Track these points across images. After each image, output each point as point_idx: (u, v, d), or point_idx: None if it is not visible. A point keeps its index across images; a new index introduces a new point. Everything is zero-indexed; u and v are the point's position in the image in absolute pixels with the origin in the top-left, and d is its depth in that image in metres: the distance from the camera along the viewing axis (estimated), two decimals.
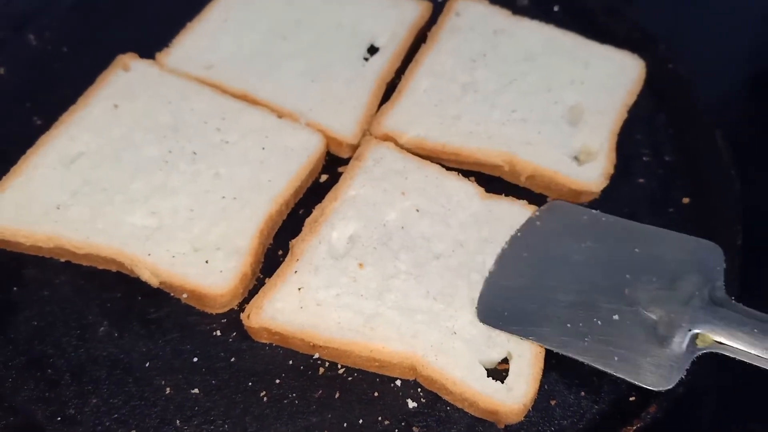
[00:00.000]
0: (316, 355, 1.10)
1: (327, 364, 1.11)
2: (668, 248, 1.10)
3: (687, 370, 0.99)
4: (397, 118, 1.32)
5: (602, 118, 1.31)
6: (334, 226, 1.17)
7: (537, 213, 1.19)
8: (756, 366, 0.96)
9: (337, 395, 1.08)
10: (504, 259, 1.14)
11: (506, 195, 1.24)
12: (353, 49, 1.41)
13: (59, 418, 1.06)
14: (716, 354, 0.99)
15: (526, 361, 1.06)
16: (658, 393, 1.01)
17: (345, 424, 1.06)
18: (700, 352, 0.99)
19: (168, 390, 1.08)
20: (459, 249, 1.16)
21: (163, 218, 1.18)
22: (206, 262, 1.14)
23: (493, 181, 1.28)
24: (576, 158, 1.28)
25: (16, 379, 1.09)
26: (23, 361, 1.11)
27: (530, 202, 1.22)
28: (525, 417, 1.06)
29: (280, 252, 1.21)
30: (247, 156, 1.25)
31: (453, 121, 1.30)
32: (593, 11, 1.53)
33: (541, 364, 1.07)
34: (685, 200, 1.27)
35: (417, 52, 1.41)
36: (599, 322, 1.03)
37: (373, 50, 1.43)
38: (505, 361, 1.08)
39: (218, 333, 1.14)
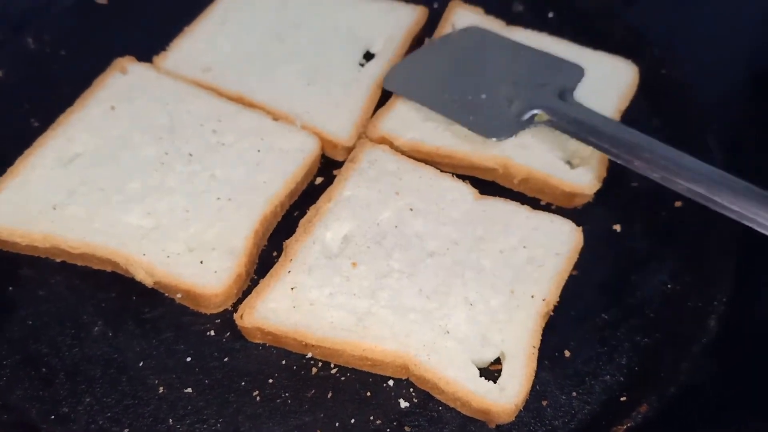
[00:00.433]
0: (309, 355, 1.11)
1: (320, 363, 1.11)
2: (544, 65, 1.36)
3: (677, 366, 1.03)
4: (394, 121, 1.33)
5: None
6: (328, 226, 1.18)
7: (456, 31, 1.45)
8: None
9: (329, 395, 1.09)
10: (420, 51, 1.43)
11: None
12: (349, 52, 1.42)
13: (53, 417, 1.07)
14: (708, 356, 1.00)
15: (519, 361, 1.07)
16: (649, 393, 1.04)
17: (337, 424, 1.06)
18: (533, 125, 1.27)
19: (161, 389, 1.09)
20: (453, 247, 1.17)
21: (158, 218, 1.18)
22: (201, 262, 1.15)
23: (487, 185, 1.29)
24: (569, 162, 1.29)
25: (11, 377, 1.10)
26: (18, 360, 1.11)
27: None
28: (516, 417, 1.06)
29: (275, 253, 1.22)
30: (243, 158, 1.26)
31: (448, 125, 1.31)
32: (588, 16, 1.55)
33: (533, 364, 1.07)
34: (678, 204, 1.28)
35: None
36: (470, 97, 1.31)
37: (368, 55, 1.44)
38: (498, 361, 1.08)
39: (212, 333, 1.14)
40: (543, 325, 1.11)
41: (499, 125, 1.27)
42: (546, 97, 1.29)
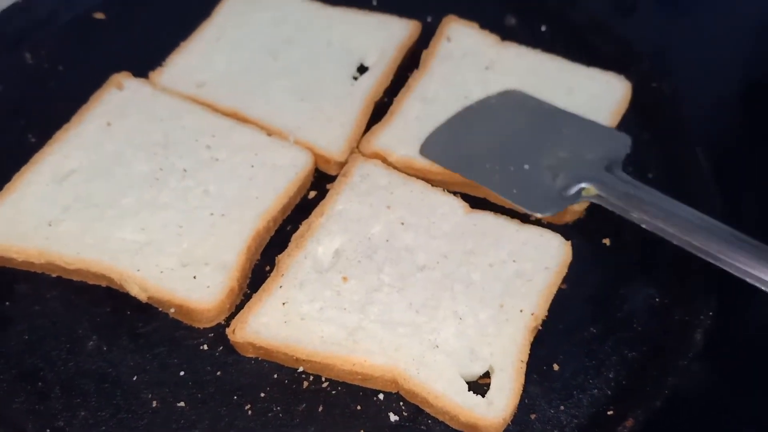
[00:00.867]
0: (301, 369, 1.12)
1: (311, 377, 1.12)
2: (587, 131, 1.31)
3: (664, 379, 1.08)
4: (387, 138, 1.34)
5: None
6: (320, 240, 1.20)
7: (494, 95, 1.39)
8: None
9: (320, 408, 1.10)
10: (458, 116, 1.36)
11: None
12: (342, 68, 1.44)
13: (49, 430, 1.08)
14: (695, 370, 1.01)
15: (508, 375, 1.08)
16: (635, 407, 1.06)
17: None
18: (582, 200, 1.21)
19: (155, 403, 1.10)
20: (443, 260, 1.18)
21: (152, 234, 1.20)
22: (194, 277, 1.16)
23: (478, 200, 1.30)
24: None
25: (7, 391, 1.11)
26: (14, 374, 1.13)
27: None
28: (505, 430, 1.07)
29: (267, 268, 1.23)
30: (236, 173, 1.28)
31: None
32: (580, 30, 1.56)
33: (522, 378, 1.08)
34: None
35: (410, 77, 1.44)
36: (512, 168, 1.26)
37: (362, 69, 1.45)
38: (487, 375, 1.09)
39: (205, 347, 1.15)
40: (531, 339, 1.12)
41: (544, 199, 1.22)
42: (594, 169, 1.23)
